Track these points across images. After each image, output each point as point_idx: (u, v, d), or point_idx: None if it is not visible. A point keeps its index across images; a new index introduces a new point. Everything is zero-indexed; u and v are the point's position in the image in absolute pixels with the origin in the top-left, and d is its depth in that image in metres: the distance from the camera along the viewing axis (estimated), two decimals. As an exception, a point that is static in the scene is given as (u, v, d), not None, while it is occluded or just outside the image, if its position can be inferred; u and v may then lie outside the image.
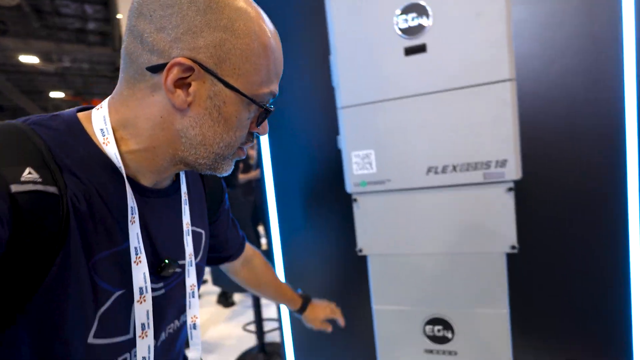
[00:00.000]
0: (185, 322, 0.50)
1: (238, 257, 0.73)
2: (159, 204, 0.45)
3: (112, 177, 0.38)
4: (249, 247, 0.78)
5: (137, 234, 0.39)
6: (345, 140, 1.05)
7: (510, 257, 0.98)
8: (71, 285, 0.35)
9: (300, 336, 1.52)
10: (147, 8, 0.35)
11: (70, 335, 0.35)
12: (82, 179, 0.36)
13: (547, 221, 1.06)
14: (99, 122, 0.38)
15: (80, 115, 0.40)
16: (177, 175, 0.49)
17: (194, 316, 0.49)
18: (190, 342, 0.49)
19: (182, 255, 0.48)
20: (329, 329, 0.90)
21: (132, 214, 0.39)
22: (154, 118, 0.38)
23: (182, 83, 0.36)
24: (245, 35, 0.37)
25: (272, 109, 0.42)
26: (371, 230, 1.08)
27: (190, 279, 0.48)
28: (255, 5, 0.39)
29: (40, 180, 0.32)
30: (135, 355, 0.41)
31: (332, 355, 1.50)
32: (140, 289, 0.39)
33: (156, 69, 0.36)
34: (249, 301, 2.58)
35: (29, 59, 8.58)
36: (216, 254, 0.67)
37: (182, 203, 0.48)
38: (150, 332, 0.40)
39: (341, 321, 0.92)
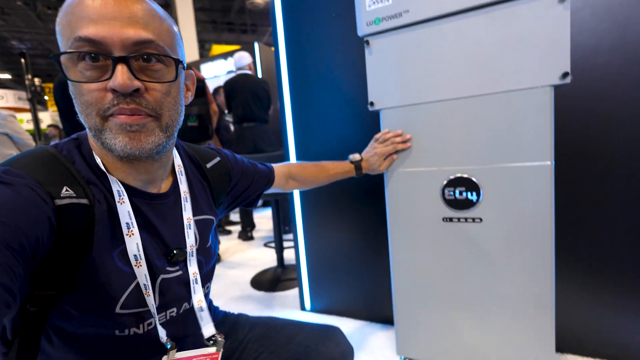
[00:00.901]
0: (205, 295, 0.58)
1: (274, 182, 0.81)
2: (161, 204, 0.52)
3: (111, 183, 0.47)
4: (280, 168, 0.84)
5: (128, 212, 0.47)
6: (358, -30, 0.91)
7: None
8: (100, 271, 0.44)
9: (313, 253, 1.44)
10: None
11: (102, 307, 0.45)
12: (99, 186, 0.46)
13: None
14: (91, 138, 0.48)
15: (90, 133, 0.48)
16: (175, 178, 0.56)
17: (200, 300, 0.55)
18: (201, 323, 0.55)
19: (193, 242, 0.56)
20: (395, 157, 0.95)
21: (120, 196, 0.46)
22: None
23: None
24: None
25: (76, 53, 0.40)
26: (385, 78, 0.93)
27: (192, 267, 0.54)
28: None
29: (74, 195, 0.42)
30: (157, 322, 0.50)
31: (344, 271, 1.38)
32: (135, 256, 0.47)
33: None
34: (267, 235, 2.70)
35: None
36: (255, 194, 0.77)
37: (182, 201, 0.55)
38: (150, 292, 0.48)
39: (404, 145, 0.93)
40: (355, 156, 0.97)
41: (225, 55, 4.67)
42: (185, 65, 0.49)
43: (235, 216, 3.82)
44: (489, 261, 0.88)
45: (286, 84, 1.38)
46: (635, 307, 0.97)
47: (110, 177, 0.46)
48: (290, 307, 1.55)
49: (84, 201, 0.42)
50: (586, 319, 1.03)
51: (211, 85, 3.31)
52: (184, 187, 0.56)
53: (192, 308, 0.55)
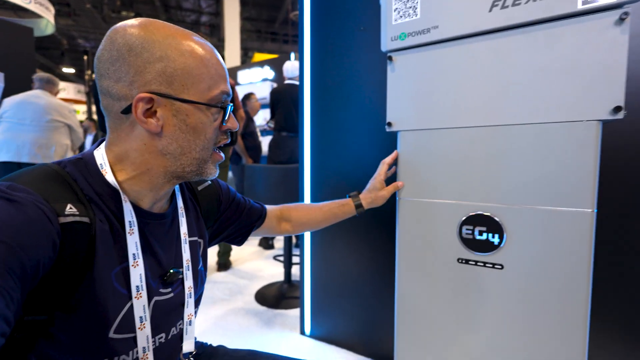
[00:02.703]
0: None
1: (264, 222, 0.78)
2: (159, 224, 0.53)
3: (119, 202, 0.47)
4: (273, 209, 0.82)
5: (136, 242, 0.47)
6: (386, -18, 0.85)
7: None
8: (97, 292, 0.43)
9: (318, 275, 1.37)
10: (103, 69, 0.45)
11: (96, 331, 0.44)
12: (101, 206, 0.46)
13: None
14: (99, 159, 0.48)
15: (95, 152, 0.49)
16: (173, 198, 0.57)
17: (190, 314, 0.56)
18: (185, 337, 0.56)
19: (182, 264, 0.57)
20: (400, 184, 0.89)
21: (131, 226, 0.47)
22: (139, 147, 0.47)
23: (150, 113, 0.45)
24: (179, 56, 0.45)
25: (227, 106, 0.49)
26: (407, 98, 0.86)
27: (188, 281, 0.56)
28: (180, 28, 0.47)
29: (77, 213, 0.42)
30: (151, 352, 0.49)
31: (349, 298, 1.29)
32: (137, 287, 0.47)
33: (127, 110, 0.45)
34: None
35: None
36: (244, 230, 0.75)
37: (178, 216, 0.57)
38: (147, 324, 0.48)
39: (398, 184, 0.88)
40: (354, 195, 0.90)
41: (262, 64, 4.78)
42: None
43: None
44: (508, 315, 0.75)
45: (307, 94, 1.34)
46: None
47: (124, 205, 0.47)
48: (289, 328, 1.47)
49: (85, 219, 0.43)
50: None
51: (245, 91, 3.38)
52: (180, 204, 0.58)
53: (179, 334, 0.55)
